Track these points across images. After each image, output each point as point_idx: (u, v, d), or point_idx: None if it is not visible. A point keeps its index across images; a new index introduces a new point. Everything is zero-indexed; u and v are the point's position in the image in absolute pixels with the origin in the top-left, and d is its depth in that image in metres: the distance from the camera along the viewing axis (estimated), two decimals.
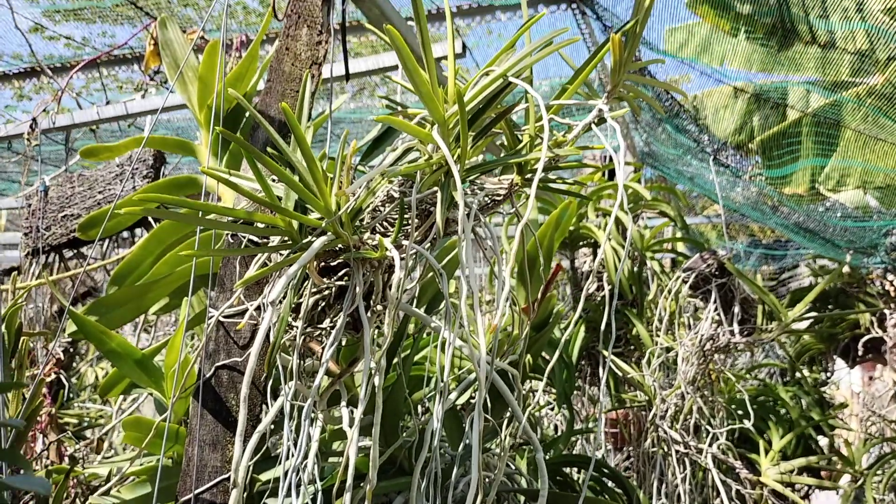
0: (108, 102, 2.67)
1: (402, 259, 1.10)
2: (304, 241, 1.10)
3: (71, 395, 3.03)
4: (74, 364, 3.63)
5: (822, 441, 3.86)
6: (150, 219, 2.15)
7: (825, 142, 2.69)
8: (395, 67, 2.15)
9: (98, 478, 1.65)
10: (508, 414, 1.80)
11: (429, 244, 1.21)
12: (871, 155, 2.48)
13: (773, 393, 3.48)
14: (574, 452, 2.74)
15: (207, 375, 1.30)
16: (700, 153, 2.90)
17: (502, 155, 1.16)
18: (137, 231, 2.27)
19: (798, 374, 3.89)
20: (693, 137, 2.85)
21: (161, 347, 1.68)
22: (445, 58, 2.12)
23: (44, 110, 2.62)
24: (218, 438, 1.30)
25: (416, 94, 1.01)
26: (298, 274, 1.10)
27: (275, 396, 1.30)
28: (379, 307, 1.24)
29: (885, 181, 2.62)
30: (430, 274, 1.54)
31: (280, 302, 1.19)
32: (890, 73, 2.31)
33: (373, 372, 1.08)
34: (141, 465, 1.49)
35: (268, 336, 1.35)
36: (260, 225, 1.04)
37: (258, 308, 1.32)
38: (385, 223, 1.23)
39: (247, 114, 1.76)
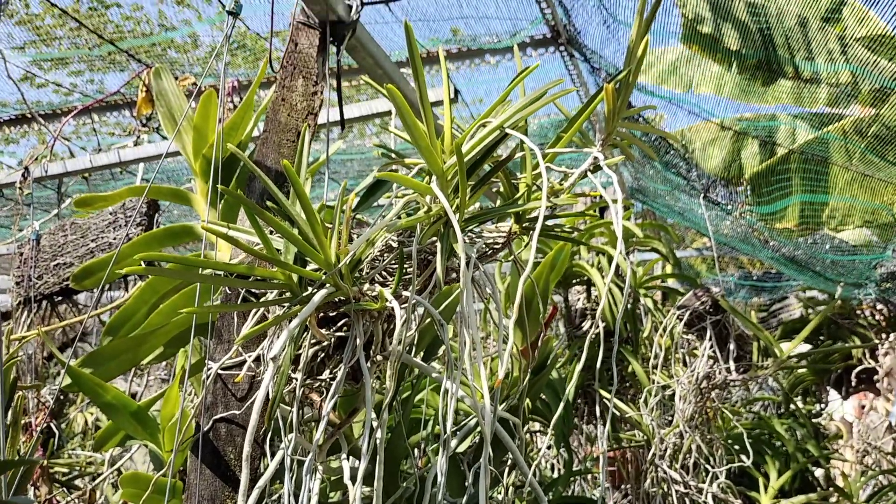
0: (99, 149, 2.67)
1: (402, 309, 1.10)
2: (304, 293, 1.10)
3: (61, 443, 3.00)
4: (65, 410, 3.59)
5: (818, 472, 3.84)
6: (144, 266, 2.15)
7: (813, 178, 2.73)
8: (388, 113, 2.18)
9: None
10: (509, 459, 1.79)
11: (427, 294, 1.21)
12: (858, 190, 2.51)
13: (769, 426, 3.48)
14: (572, 493, 2.72)
15: (206, 429, 1.29)
16: (690, 190, 2.93)
17: (499, 204, 1.17)
18: (130, 277, 2.27)
19: (792, 406, 3.89)
20: (682, 175, 2.88)
21: (156, 399, 1.67)
22: (438, 103, 2.14)
23: (35, 159, 2.62)
24: (216, 493, 1.29)
25: (414, 146, 1.02)
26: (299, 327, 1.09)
27: (271, 448, 1.29)
28: (379, 357, 1.23)
29: (876, 218, 2.64)
30: (428, 320, 1.54)
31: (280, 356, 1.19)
32: (884, 110, 2.35)
33: (374, 426, 1.07)
34: None
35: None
36: (259, 279, 1.04)
37: (256, 360, 1.32)
38: (384, 273, 1.24)
39: (241, 162, 1.77)
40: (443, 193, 1.01)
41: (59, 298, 2.26)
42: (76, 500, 2.27)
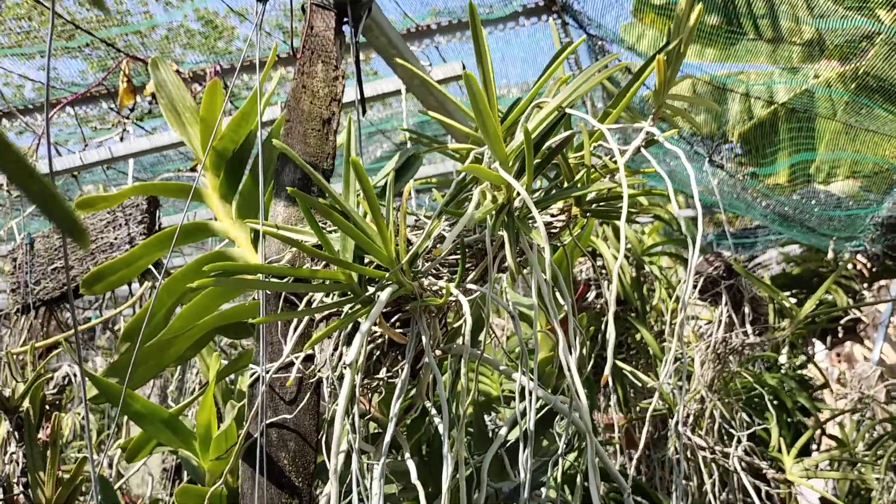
0: (86, 145, 2.56)
1: (468, 304, 1.06)
2: (367, 294, 1.06)
3: (61, 449, 2.90)
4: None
5: (809, 421, 3.91)
6: (151, 268, 2.07)
7: (807, 134, 2.72)
8: (396, 93, 2.11)
9: None
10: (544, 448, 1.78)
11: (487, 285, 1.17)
12: (861, 146, 2.51)
13: (762, 381, 3.52)
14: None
15: (256, 435, 1.24)
16: (693, 154, 2.91)
17: (562, 186, 1.13)
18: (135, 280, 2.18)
19: (779, 360, 3.94)
20: (685, 139, 2.86)
21: (186, 406, 1.61)
22: (453, 79, 2.08)
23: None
24: (272, 501, 1.24)
25: (483, 135, 0.97)
26: (363, 328, 1.05)
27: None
28: (438, 352, 1.19)
29: (874, 169, 2.66)
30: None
31: (338, 358, 1.14)
32: (871, 61, 2.34)
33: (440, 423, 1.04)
34: None
35: (317, 391, 1.30)
36: (326, 281, 0.99)
37: (303, 361, 1.27)
38: (438, 266, 1.19)
39: (252, 153, 1.70)
40: (512, 180, 0.97)
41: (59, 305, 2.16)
42: None
